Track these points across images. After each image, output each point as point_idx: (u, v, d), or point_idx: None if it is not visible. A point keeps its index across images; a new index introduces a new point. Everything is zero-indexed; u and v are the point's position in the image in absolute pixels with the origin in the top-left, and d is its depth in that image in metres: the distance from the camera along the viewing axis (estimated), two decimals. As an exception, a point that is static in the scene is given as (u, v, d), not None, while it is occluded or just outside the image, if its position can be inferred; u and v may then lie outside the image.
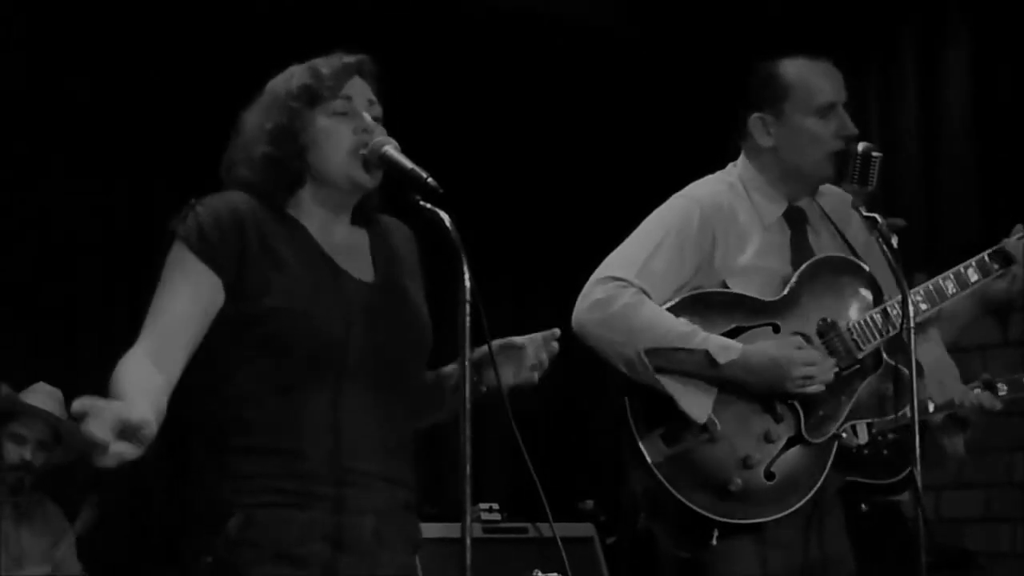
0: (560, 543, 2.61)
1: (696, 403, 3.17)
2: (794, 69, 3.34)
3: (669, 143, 6.12)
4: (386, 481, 2.53)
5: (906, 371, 3.12)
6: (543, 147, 6.36)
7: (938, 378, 3.82)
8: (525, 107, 6.30)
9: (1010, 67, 5.39)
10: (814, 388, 3.18)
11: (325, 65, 2.60)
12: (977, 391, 3.80)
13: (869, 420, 3.31)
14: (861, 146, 3.29)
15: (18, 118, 5.29)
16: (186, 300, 2.45)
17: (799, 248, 3.35)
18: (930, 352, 3.58)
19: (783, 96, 3.32)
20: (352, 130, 2.56)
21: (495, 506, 5.08)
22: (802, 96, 3.31)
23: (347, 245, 2.62)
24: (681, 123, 6.09)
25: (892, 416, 3.26)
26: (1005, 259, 3.45)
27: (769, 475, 3.19)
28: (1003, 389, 3.86)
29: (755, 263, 3.29)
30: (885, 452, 3.92)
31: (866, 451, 3.76)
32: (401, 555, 2.56)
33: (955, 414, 3.82)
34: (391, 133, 2.58)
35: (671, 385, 3.16)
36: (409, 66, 5.63)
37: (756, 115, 3.35)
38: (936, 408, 3.76)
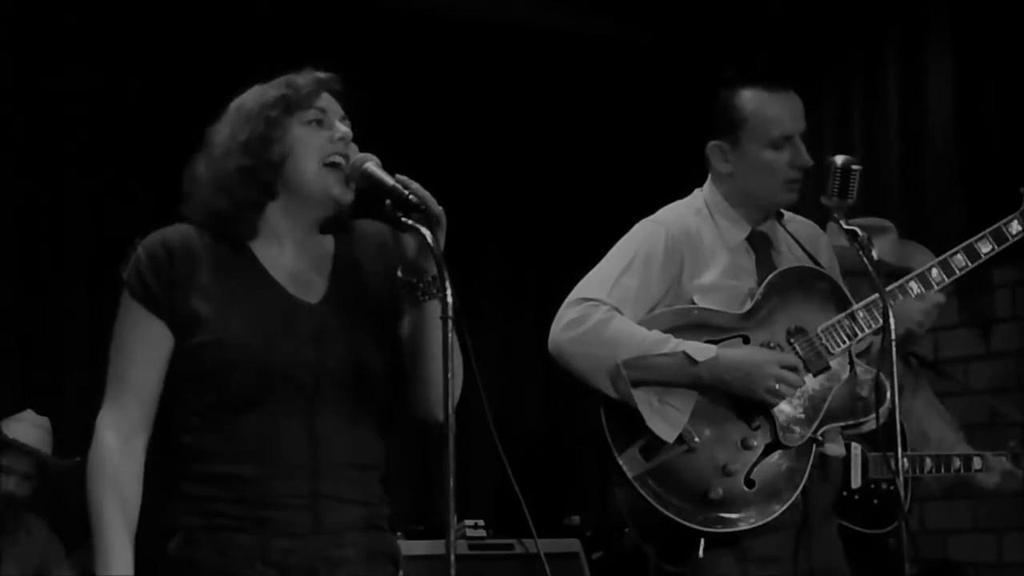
0: (545, 559, 2.62)
1: (667, 421, 3.19)
2: (752, 100, 3.36)
3: (658, 154, 6.12)
4: (340, 501, 2.51)
5: (884, 379, 3.17)
6: (532, 155, 6.36)
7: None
8: (515, 118, 6.31)
9: (992, 77, 5.41)
10: (787, 390, 3.21)
11: (299, 77, 2.60)
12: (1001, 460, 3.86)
13: (843, 423, 3.33)
14: (840, 159, 3.33)
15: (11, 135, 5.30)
16: (142, 359, 2.52)
17: (764, 269, 3.39)
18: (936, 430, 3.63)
19: (739, 126, 3.36)
20: (328, 139, 2.56)
21: (480, 522, 5.08)
22: (757, 128, 3.35)
23: (302, 264, 2.59)
24: (667, 133, 6.09)
25: (864, 419, 3.28)
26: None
27: (749, 482, 3.21)
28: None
29: (720, 281, 3.33)
30: (876, 501, 3.94)
31: (857, 496, 3.78)
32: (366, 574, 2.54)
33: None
34: (383, 143, 2.58)
35: (643, 401, 3.18)
36: (393, 78, 5.66)
37: (714, 143, 3.40)
38: (933, 467, 3.81)
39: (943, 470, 3.96)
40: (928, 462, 3.91)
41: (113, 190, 5.52)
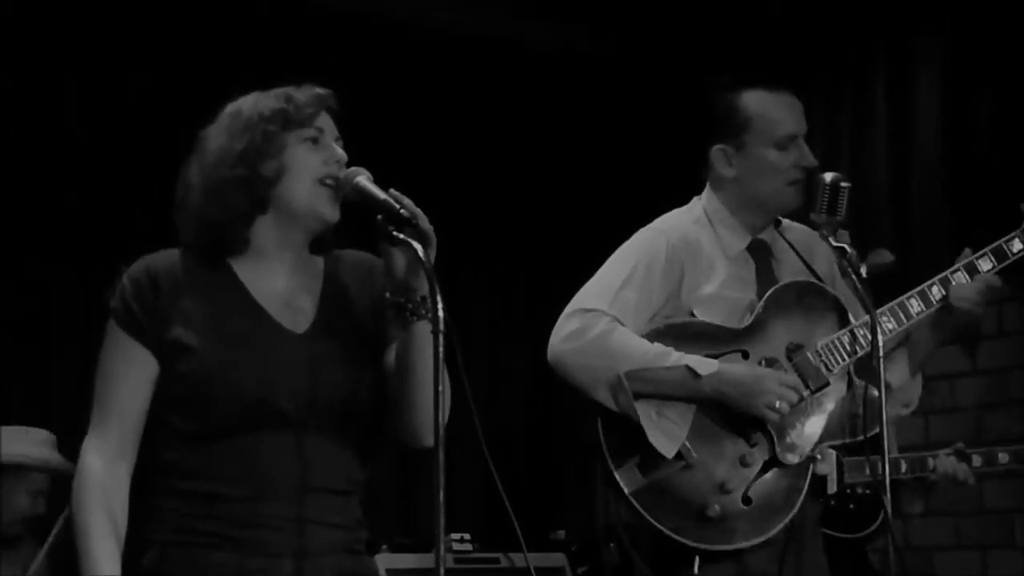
0: (532, 573, 2.61)
1: (667, 435, 3.19)
2: (755, 101, 3.37)
3: (648, 163, 6.13)
4: (323, 526, 2.50)
5: (875, 394, 3.15)
6: (518, 168, 6.35)
7: (902, 401, 3.85)
8: (503, 129, 6.31)
9: (980, 94, 5.42)
10: (786, 407, 3.19)
11: (298, 92, 2.58)
12: (952, 459, 3.82)
13: (840, 441, 3.33)
14: (830, 176, 3.33)
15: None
16: (127, 385, 2.52)
17: (764, 278, 3.38)
18: (898, 375, 3.61)
19: (744, 128, 3.36)
20: (324, 160, 2.55)
21: (467, 536, 5.07)
22: (763, 128, 3.35)
23: (289, 290, 2.58)
24: (659, 141, 6.09)
25: (861, 437, 3.28)
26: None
27: (746, 500, 3.21)
28: (977, 461, 3.87)
29: (720, 292, 3.32)
30: (852, 506, 3.94)
31: (833, 502, 3.79)
32: None
33: (924, 477, 3.84)
34: (368, 159, 2.58)
35: (645, 415, 3.17)
36: (370, 95, 5.64)
37: (718, 147, 3.39)
38: (908, 470, 3.79)
39: (919, 471, 3.97)
40: (903, 465, 3.91)
41: (110, 192, 5.51)
